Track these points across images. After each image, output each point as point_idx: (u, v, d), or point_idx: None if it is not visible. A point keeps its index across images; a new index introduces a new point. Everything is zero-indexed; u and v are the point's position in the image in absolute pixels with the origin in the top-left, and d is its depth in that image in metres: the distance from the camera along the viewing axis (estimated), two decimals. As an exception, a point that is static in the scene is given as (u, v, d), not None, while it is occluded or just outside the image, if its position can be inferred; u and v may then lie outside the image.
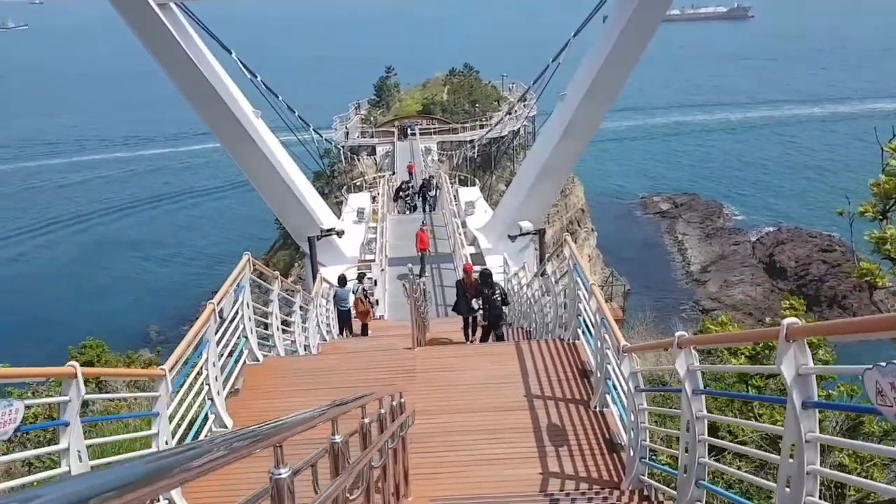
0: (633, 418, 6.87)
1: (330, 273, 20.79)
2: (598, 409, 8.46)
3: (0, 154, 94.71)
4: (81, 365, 17.81)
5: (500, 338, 14.08)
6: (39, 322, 49.17)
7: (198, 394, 8.05)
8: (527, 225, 22.87)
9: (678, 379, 5.54)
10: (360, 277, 19.06)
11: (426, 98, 64.55)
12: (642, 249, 61.21)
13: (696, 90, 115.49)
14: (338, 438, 4.02)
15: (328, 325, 16.96)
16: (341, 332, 18.03)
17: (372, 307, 18.03)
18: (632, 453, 6.91)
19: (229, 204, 74.11)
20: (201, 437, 8.10)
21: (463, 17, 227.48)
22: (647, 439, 6.77)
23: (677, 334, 5.24)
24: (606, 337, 8.07)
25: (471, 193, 35.21)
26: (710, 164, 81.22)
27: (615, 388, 8.10)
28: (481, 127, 56.72)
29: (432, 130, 57.50)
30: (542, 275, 13.13)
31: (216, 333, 8.48)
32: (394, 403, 5.98)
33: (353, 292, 17.84)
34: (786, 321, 3.66)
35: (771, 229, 63.38)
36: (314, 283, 16.97)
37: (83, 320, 46.03)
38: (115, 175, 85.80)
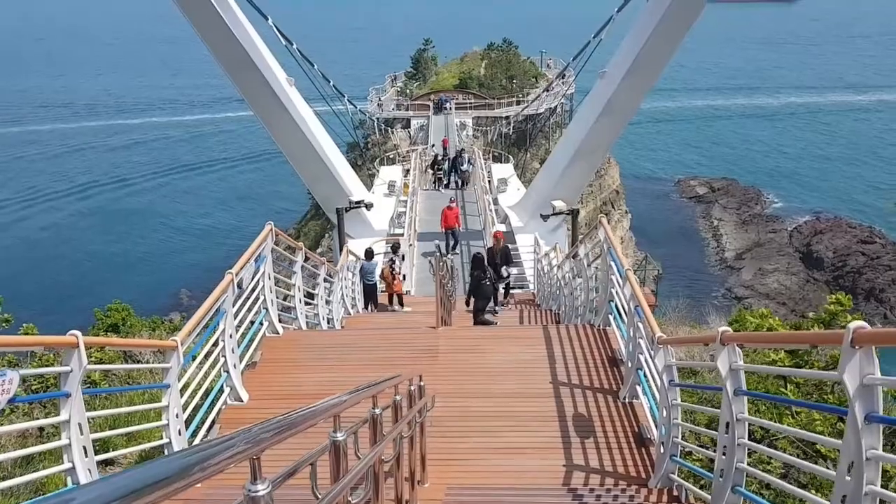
0: (664, 414, 6.47)
1: (357, 245, 20.54)
2: (627, 400, 8.07)
3: (39, 115, 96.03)
4: (106, 329, 17.71)
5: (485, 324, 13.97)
6: (70, 286, 49.87)
7: (213, 366, 7.82)
8: (560, 204, 22.28)
9: (714, 374, 5.12)
10: (395, 248, 18.71)
11: (463, 72, 63.74)
12: (676, 233, 60.14)
13: (738, 74, 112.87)
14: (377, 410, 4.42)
15: (353, 298, 16.72)
16: (366, 307, 17.80)
17: (395, 280, 17.69)
18: (662, 450, 6.53)
19: (265, 173, 74.26)
20: (215, 410, 7.89)
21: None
22: (679, 436, 6.38)
23: (720, 329, 4.81)
24: (640, 325, 7.65)
25: (504, 170, 34.60)
26: (749, 150, 79.42)
27: (646, 380, 7.70)
28: (518, 103, 55.83)
29: (468, 105, 56.77)
30: (573, 257, 12.69)
31: (234, 304, 8.23)
32: (412, 388, 5.65)
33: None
34: (852, 325, 3.23)
35: (809, 218, 61.93)
36: (341, 255, 16.71)
37: (115, 285, 46.49)
38: (151, 140, 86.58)
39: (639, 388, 7.97)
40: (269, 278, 9.70)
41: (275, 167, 69.06)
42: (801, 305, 50.90)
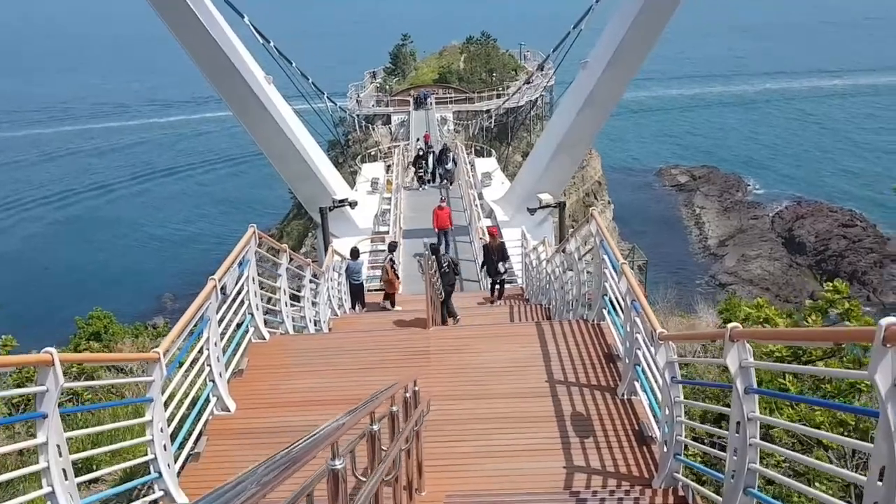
0: (667, 411, 6.28)
1: (342, 245, 20.26)
2: (625, 397, 7.88)
3: (12, 120, 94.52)
4: (87, 337, 17.25)
5: (452, 315, 14.47)
6: (51, 295, 49.07)
7: (198, 375, 7.54)
8: (546, 197, 22.11)
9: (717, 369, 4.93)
10: (392, 247, 18.45)
11: (442, 67, 63.42)
12: (659, 222, 60.29)
13: (713, 62, 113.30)
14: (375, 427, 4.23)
15: (339, 299, 16.44)
16: (353, 307, 17.53)
17: (397, 278, 17.39)
18: (665, 448, 6.34)
19: (246, 174, 73.57)
20: (202, 421, 7.62)
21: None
22: (683, 434, 6.19)
23: (730, 326, 4.61)
24: (637, 320, 7.46)
25: (487, 164, 34.38)
26: (728, 137, 79.89)
27: (645, 375, 7.52)
28: (498, 96, 55.64)
29: (448, 100, 56.48)
30: (563, 250, 12.50)
31: (218, 311, 7.94)
32: (408, 395, 5.42)
33: (383, 262, 17.19)
34: (884, 321, 3.02)
35: (790, 203, 62.40)
36: (326, 255, 16.41)
37: (97, 293, 45.74)
38: (128, 144, 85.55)
39: (637, 385, 7.78)
40: (254, 282, 9.42)
41: (256, 168, 68.48)
42: (784, 290, 51.22)
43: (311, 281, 13.02)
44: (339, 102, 48.47)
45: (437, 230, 23.23)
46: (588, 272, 10.93)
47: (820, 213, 59.46)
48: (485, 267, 17.23)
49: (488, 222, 24.26)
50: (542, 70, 48.11)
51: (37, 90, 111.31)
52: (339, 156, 51.78)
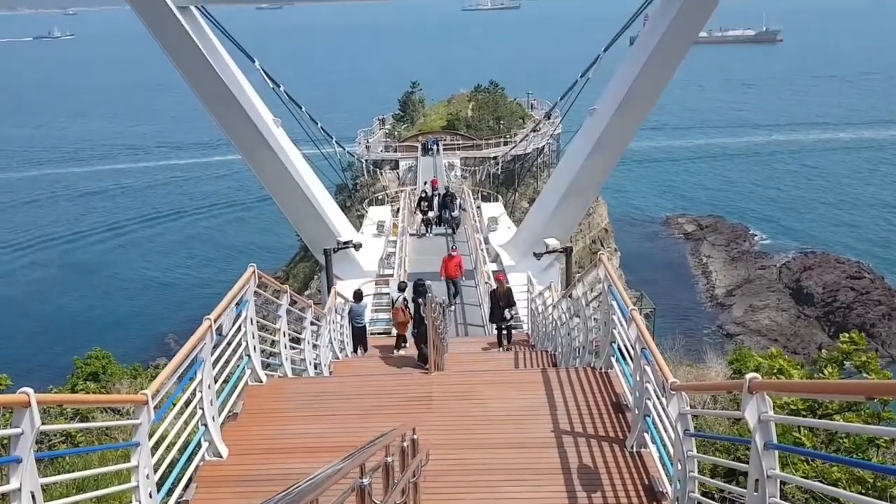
0: (679, 466, 5.95)
1: (346, 287, 20.03)
2: (634, 449, 7.53)
3: (15, 162, 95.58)
4: (85, 378, 16.93)
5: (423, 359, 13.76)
6: (52, 336, 48.88)
7: (189, 419, 7.26)
8: (553, 242, 21.91)
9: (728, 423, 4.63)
10: (403, 287, 18.10)
11: (450, 114, 64.08)
12: (666, 271, 59.99)
13: (723, 113, 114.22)
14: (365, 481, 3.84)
15: (341, 342, 16.14)
16: (355, 350, 17.21)
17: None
18: (677, 506, 6.01)
19: (253, 218, 73.80)
20: (192, 467, 7.30)
21: (491, 38, 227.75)
22: (696, 491, 5.86)
23: (749, 376, 4.34)
24: (647, 369, 7.16)
25: (494, 209, 34.25)
26: (735, 187, 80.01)
27: (655, 427, 7.19)
28: (505, 144, 55.98)
29: (456, 146, 56.86)
30: (569, 296, 12.23)
31: (213, 352, 7.69)
32: (405, 444, 5.12)
33: (394, 302, 16.76)
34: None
35: (797, 254, 62.06)
36: (328, 297, 16.17)
37: (100, 334, 45.65)
38: (136, 186, 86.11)
39: (647, 437, 7.45)
40: (252, 323, 9.16)
41: (263, 213, 68.77)
42: (792, 342, 50.62)
43: (312, 323, 12.75)
44: (348, 147, 48.79)
45: (444, 278, 22.26)
46: (595, 318, 10.66)
47: (827, 264, 59.11)
48: (491, 313, 17.00)
49: (494, 266, 24.01)
50: (549, 118, 48.48)
51: (45, 133, 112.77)
52: (347, 200, 51.95)
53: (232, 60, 22.63)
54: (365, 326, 17.38)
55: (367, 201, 43.69)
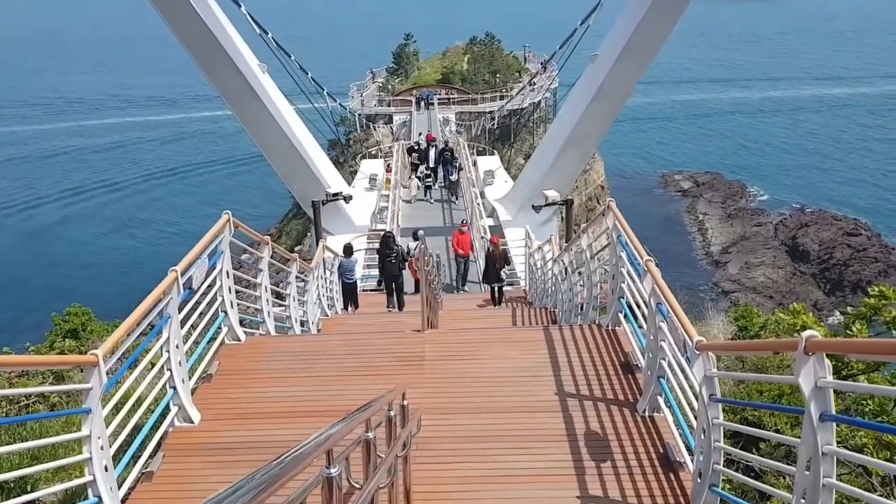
0: (703, 436, 5.27)
1: (337, 242, 19.26)
2: (647, 413, 6.86)
3: (6, 116, 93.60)
4: (64, 335, 16.17)
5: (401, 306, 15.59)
6: (36, 292, 48.07)
7: (155, 381, 6.54)
8: (553, 194, 21.05)
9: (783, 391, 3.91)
10: (417, 235, 18.06)
11: (445, 67, 62.62)
12: (662, 228, 59.37)
13: (721, 68, 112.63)
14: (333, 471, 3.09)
15: (331, 298, 15.42)
16: (346, 307, 16.53)
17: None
18: (699, 479, 5.34)
19: (245, 174, 72.48)
20: (159, 432, 6.60)
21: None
22: (722, 462, 5.19)
23: (805, 335, 3.60)
24: (663, 326, 6.44)
25: (490, 163, 33.25)
26: (732, 144, 79.18)
27: (671, 390, 6.51)
28: (501, 98, 54.77)
29: (451, 100, 55.61)
30: (572, 248, 11.48)
31: (183, 308, 6.93)
32: (392, 413, 4.40)
33: (409, 253, 16.89)
34: None
35: (794, 211, 61.64)
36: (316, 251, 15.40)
37: (86, 291, 44.75)
38: (125, 142, 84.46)
39: (661, 400, 6.77)
40: (228, 277, 8.39)
41: (255, 169, 67.47)
42: (788, 299, 50.18)
43: (297, 278, 11.99)
44: (341, 102, 47.50)
45: (457, 256, 20.56)
46: (602, 271, 9.93)
47: (824, 221, 58.66)
48: (485, 274, 17.09)
49: (490, 221, 23.22)
50: (545, 70, 47.21)
51: (30, 86, 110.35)
52: (340, 155, 50.91)
53: (216, 4, 21.46)
54: (356, 282, 16.70)
55: (360, 156, 42.67)
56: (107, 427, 5.68)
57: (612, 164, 65.46)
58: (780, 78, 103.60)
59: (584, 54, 24.20)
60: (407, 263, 16.98)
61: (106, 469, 5.40)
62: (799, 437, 3.95)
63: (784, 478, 6.40)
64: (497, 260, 16.42)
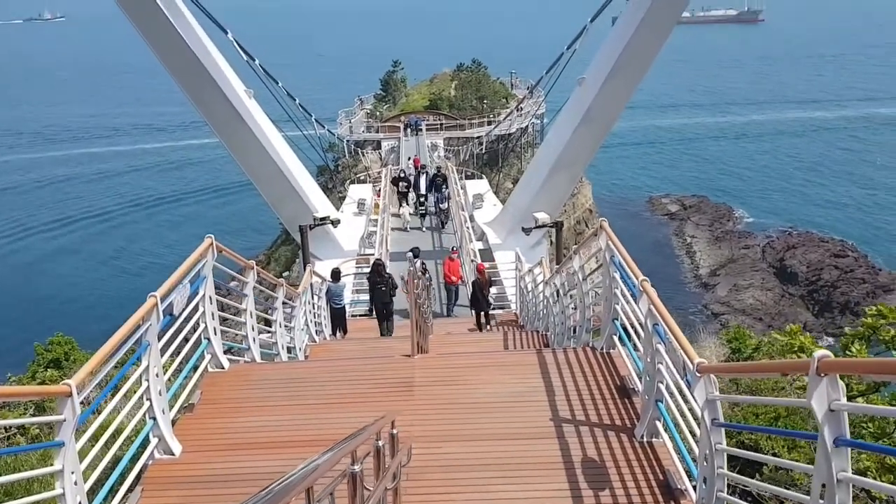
0: (706, 462, 5.06)
1: (325, 268, 19.02)
2: (645, 439, 6.64)
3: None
4: (46, 365, 15.75)
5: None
6: (16, 317, 47.44)
7: (134, 412, 6.26)
8: (543, 216, 20.91)
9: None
10: (417, 254, 18.56)
11: (433, 93, 62.95)
12: (650, 251, 59.38)
13: (705, 93, 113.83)
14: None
15: (319, 324, 15.15)
16: (334, 333, 16.25)
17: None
18: (702, 508, 5.12)
19: (233, 203, 72.12)
20: (137, 466, 6.31)
21: (473, 14, 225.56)
22: (725, 490, 4.97)
23: (817, 355, 3.41)
24: (660, 348, 6.25)
25: (479, 186, 33.13)
26: (719, 167, 79.78)
27: (669, 414, 6.30)
28: (489, 123, 55.01)
29: (439, 126, 55.76)
30: (564, 270, 11.30)
31: (163, 336, 6.68)
32: (381, 444, 4.16)
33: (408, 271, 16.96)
34: None
35: (781, 233, 61.85)
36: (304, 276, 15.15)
37: (71, 319, 44.16)
38: (113, 169, 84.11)
39: (659, 424, 6.55)
40: (211, 302, 8.14)
41: (243, 198, 67.19)
42: (777, 321, 50.24)
43: (284, 304, 11.74)
44: (329, 129, 47.50)
45: (447, 283, 20.20)
46: (595, 293, 9.75)
47: (811, 242, 58.97)
48: (472, 300, 17.44)
49: (480, 245, 23.04)
50: (532, 94, 47.45)
51: (20, 116, 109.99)
52: (329, 181, 50.82)
53: (203, 32, 21.41)
54: (344, 307, 16.45)
55: (348, 182, 42.58)
56: (82, 460, 5.42)
57: (600, 188, 65.75)
58: (762, 102, 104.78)
59: (571, 79, 24.29)
60: (405, 281, 16.83)
61: (80, 505, 5.12)
62: (806, 463, 3.74)
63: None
64: (483, 286, 16.89)
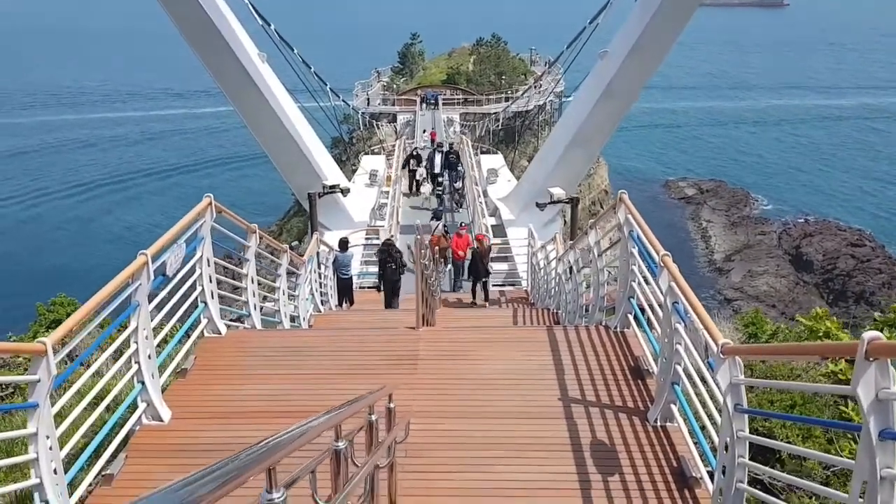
0: (726, 450, 4.69)
1: (334, 238, 18.67)
2: (659, 423, 6.26)
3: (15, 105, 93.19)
4: (48, 325, 15.58)
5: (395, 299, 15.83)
6: (21, 276, 47.60)
7: (120, 375, 5.96)
8: (558, 192, 20.37)
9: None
10: (439, 216, 19.31)
11: (451, 67, 62.11)
12: (665, 234, 58.09)
13: (727, 77, 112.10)
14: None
15: (324, 294, 14.84)
16: (340, 304, 15.95)
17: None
18: (720, 499, 4.75)
19: (250, 172, 71.82)
20: (123, 431, 6.01)
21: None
22: (746, 481, 4.60)
23: (867, 336, 3.01)
24: (679, 328, 5.85)
25: (494, 161, 32.52)
26: (737, 152, 78.73)
27: (686, 398, 5.93)
28: (506, 100, 54.23)
29: (456, 101, 55.07)
30: (578, 246, 10.89)
31: (151, 296, 6.34)
32: (373, 418, 3.81)
33: (433, 231, 17.67)
34: None
35: (798, 220, 61.07)
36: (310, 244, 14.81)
37: (75, 281, 44.21)
38: (133, 136, 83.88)
39: (674, 408, 6.17)
40: (209, 265, 7.79)
41: (259, 168, 66.87)
42: (791, 308, 49.64)
43: (288, 271, 11.41)
44: (345, 99, 46.96)
45: (455, 259, 19.48)
46: (610, 270, 9.34)
47: (828, 231, 58.17)
48: (471, 268, 17.33)
49: (493, 220, 22.59)
50: (551, 70, 46.63)
51: (36, 78, 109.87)
52: (343, 153, 50.37)
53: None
54: (351, 278, 16.13)
55: (362, 154, 42.15)
56: (62, 423, 5.12)
57: (616, 169, 64.95)
58: (783, 87, 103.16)
59: (591, 56, 23.69)
60: (429, 241, 17.60)
61: (55, 472, 4.82)
62: (845, 457, 3.35)
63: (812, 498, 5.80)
64: (483, 255, 16.73)
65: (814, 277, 53.54)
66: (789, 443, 7.00)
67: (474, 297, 16.84)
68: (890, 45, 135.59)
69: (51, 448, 4.76)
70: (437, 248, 18.35)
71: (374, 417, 3.87)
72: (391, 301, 16.17)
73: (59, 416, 5.31)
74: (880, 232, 58.27)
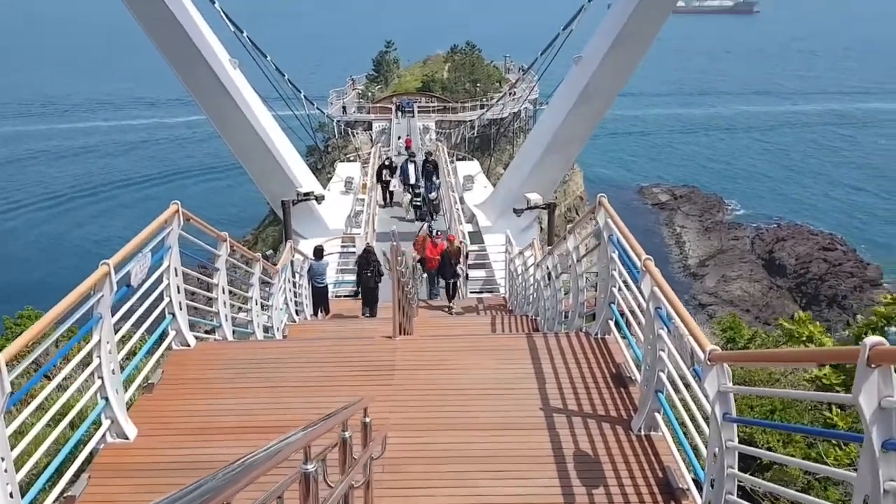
0: (713, 461, 4.53)
1: (308, 246, 18.38)
2: (643, 432, 6.10)
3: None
4: (15, 339, 15.26)
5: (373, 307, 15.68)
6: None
7: (83, 390, 5.67)
8: (535, 197, 20.22)
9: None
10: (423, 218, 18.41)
11: (426, 75, 62.11)
12: (640, 240, 57.14)
13: (698, 84, 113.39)
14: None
15: (299, 303, 14.56)
16: (315, 313, 15.67)
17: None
18: (707, 512, 4.60)
19: (223, 182, 71.02)
20: (86, 450, 5.72)
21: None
22: (735, 492, 4.45)
23: (869, 341, 2.86)
24: (662, 333, 5.71)
25: (470, 168, 32.43)
26: (710, 158, 79.63)
27: (670, 406, 5.78)
28: (482, 107, 54.32)
29: (431, 108, 55.02)
30: (557, 251, 10.74)
31: (115, 308, 6.06)
32: (347, 435, 3.59)
33: (419, 231, 18.00)
34: None
35: (771, 225, 61.78)
36: (283, 252, 14.52)
37: (50, 293, 43.35)
38: (103, 147, 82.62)
39: (658, 417, 6.02)
40: (177, 274, 7.52)
41: (232, 178, 66.21)
42: (764, 312, 50.18)
43: (262, 281, 11.13)
44: (319, 107, 46.62)
45: (427, 268, 18.48)
46: (589, 276, 9.20)
47: (800, 235, 58.94)
48: (440, 269, 17.40)
49: (469, 227, 22.44)
50: (525, 77, 46.76)
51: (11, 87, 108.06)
52: (318, 162, 50.01)
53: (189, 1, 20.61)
54: (326, 286, 15.86)
55: (337, 162, 41.85)
56: (18, 444, 4.83)
57: (591, 176, 65.31)
58: (754, 94, 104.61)
59: (565, 64, 23.70)
60: (413, 244, 18.18)
61: (11, 495, 4.53)
62: (844, 468, 3.20)
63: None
64: (452, 256, 16.78)
65: (787, 281, 54.14)
66: (769, 450, 6.89)
67: (449, 300, 16.86)
68: (858, 52, 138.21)
69: (6, 470, 4.47)
70: (419, 248, 18.22)
71: (347, 434, 3.65)
72: (369, 309, 15.91)
73: (19, 434, 5.03)
74: (851, 236, 59.19)
